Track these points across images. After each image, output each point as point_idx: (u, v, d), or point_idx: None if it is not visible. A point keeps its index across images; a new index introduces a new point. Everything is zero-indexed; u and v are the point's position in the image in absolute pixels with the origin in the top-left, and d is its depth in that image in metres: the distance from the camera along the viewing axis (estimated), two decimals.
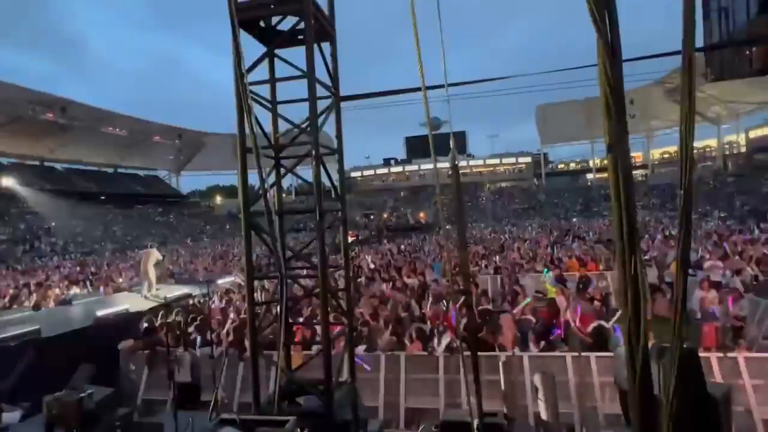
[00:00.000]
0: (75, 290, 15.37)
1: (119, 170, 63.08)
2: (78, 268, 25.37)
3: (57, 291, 14.91)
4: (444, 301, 9.01)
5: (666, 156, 62.44)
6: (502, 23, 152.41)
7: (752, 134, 54.20)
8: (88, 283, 17.95)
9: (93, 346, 7.14)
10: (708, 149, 59.72)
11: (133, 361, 7.57)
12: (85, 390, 4.11)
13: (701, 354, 5.60)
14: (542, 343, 6.76)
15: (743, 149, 55.79)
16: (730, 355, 5.87)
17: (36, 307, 11.36)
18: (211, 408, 4.98)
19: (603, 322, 7.04)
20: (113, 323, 8.35)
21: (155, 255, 11.19)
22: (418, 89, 3.04)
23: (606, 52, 1.48)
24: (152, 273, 10.86)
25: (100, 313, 8.42)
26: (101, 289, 15.29)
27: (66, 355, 5.99)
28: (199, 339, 7.82)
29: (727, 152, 57.49)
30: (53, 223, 42.76)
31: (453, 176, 3.05)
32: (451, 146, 3.00)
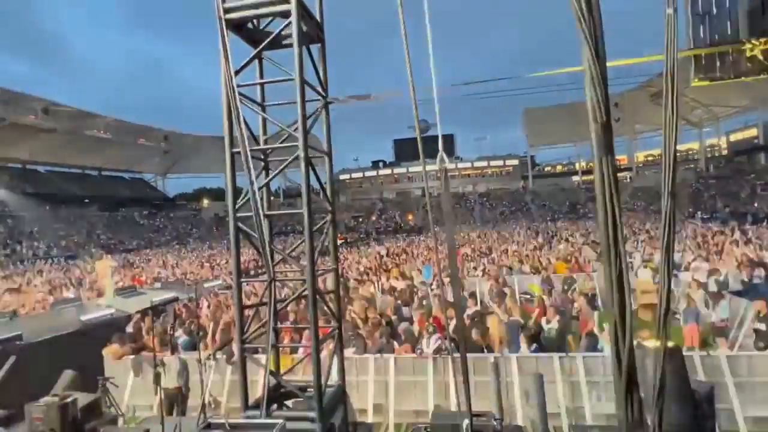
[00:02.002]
0: (67, 294, 15.05)
1: (103, 173, 62.12)
2: (61, 273, 24.90)
3: (39, 296, 14.61)
4: (433, 303, 9.04)
5: (650, 158, 63.50)
6: (485, 27, 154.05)
7: (733, 137, 55.42)
8: (71, 287, 17.62)
9: (77, 352, 7.02)
10: (690, 152, 60.87)
11: (118, 366, 7.45)
12: (68, 396, 4.03)
13: (685, 353, 5.71)
14: (534, 345, 6.83)
15: (724, 152, 56.98)
16: (713, 353, 5.99)
17: (16, 312, 11.12)
18: (198, 412, 4.92)
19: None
20: (98, 328, 8.22)
21: (108, 263, 10.45)
22: (406, 91, 3.06)
23: (591, 55, 1.51)
24: (110, 283, 10.17)
25: (84, 318, 8.28)
26: (85, 294, 15.02)
27: (49, 361, 5.88)
28: (186, 342, 7.73)
29: (709, 155, 58.65)
30: (35, 227, 41.93)
31: (442, 179, 3.07)
32: (440, 148, 3.02)
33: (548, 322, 7.39)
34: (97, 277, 10.64)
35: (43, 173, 54.58)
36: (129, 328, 8.62)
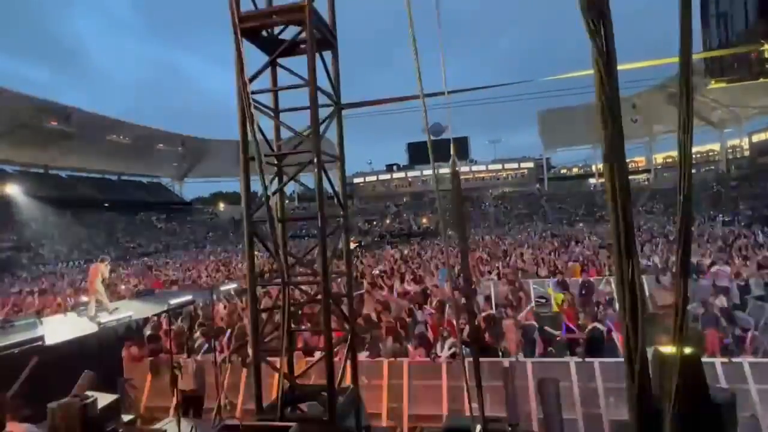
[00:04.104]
0: (86, 297, 15.30)
1: (123, 177, 63.39)
2: (81, 276, 25.45)
3: (60, 299, 14.96)
4: (447, 307, 9.00)
5: (669, 160, 62.35)
6: (495, 31, 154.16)
7: (755, 138, 54.05)
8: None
9: (97, 353, 7.17)
10: (711, 153, 59.60)
11: (137, 368, 7.58)
12: (88, 397, 4.11)
13: (705, 359, 5.58)
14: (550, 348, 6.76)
15: (747, 153, 55.63)
16: (735, 360, 5.84)
17: (40, 314, 11.39)
18: (214, 414, 4.98)
19: (599, 324, 7.07)
20: (117, 330, 8.38)
21: (101, 268, 9.75)
22: (418, 97, 3.08)
23: (601, 62, 1.50)
24: (102, 289, 9.61)
25: (104, 320, 8.45)
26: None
27: (70, 362, 6.01)
28: (205, 345, 7.83)
29: (731, 156, 57.32)
30: (57, 231, 42.94)
31: (453, 182, 3.07)
32: (452, 152, 3.02)
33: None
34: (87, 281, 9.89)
35: (64, 178, 55.92)
36: (147, 331, 8.76)
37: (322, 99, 4.49)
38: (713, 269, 11.52)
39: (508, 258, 18.17)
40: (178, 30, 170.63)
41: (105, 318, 8.61)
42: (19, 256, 36.98)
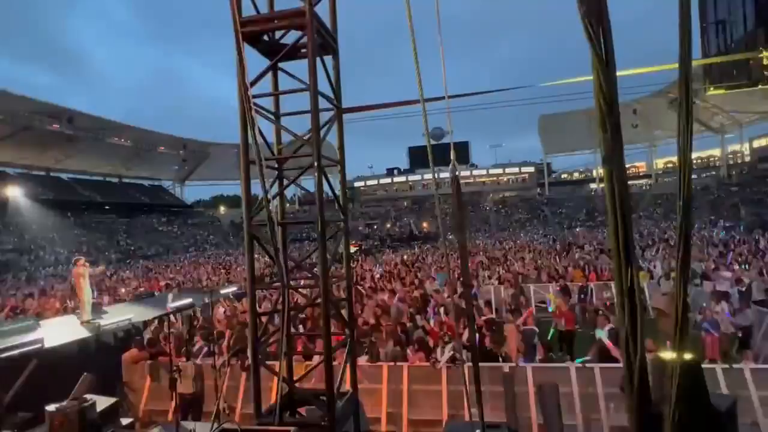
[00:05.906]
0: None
1: (124, 180, 63.46)
2: None
3: (60, 301, 14.94)
4: (447, 312, 8.98)
5: (670, 165, 62.41)
6: (496, 36, 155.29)
7: (756, 144, 54.12)
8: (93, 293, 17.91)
9: (96, 356, 7.16)
10: (712, 158, 59.65)
11: (136, 371, 7.56)
12: (87, 400, 4.11)
13: (706, 365, 5.56)
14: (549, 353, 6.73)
15: (747, 159, 55.68)
16: (735, 366, 5.82)
17: (39, 316, 11.36)
18: (212, 418, 4.96)
19: None
20: (116, 333, 8.36)
21: (83, 269, 9.23)
22: (418, 101, 3.08)
23: (600, 66, 1.51)
24: (88, 291, 9.20)
25: (103, 323, 8.44)
26: (105, 299, 15.28)
27: (69, 365, 6.00)
28: (205, 349, 7.81)
29: (731, 162, 57.36)
30: (58, 233, 42.94)
31: (453, 187, 3.07)
32: (452, 157, 3.03)
33: None
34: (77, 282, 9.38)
35: (65, 180, 55.99)
36: (146, 334, 8.74)
37: (322, 103, 4.50)
38: (714, 274, 11.52)
39: (508, 262, 18.16)
40: (179, 34, 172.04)
41: (103, 321, 8.59)
42: (20, 259, 36.96)
